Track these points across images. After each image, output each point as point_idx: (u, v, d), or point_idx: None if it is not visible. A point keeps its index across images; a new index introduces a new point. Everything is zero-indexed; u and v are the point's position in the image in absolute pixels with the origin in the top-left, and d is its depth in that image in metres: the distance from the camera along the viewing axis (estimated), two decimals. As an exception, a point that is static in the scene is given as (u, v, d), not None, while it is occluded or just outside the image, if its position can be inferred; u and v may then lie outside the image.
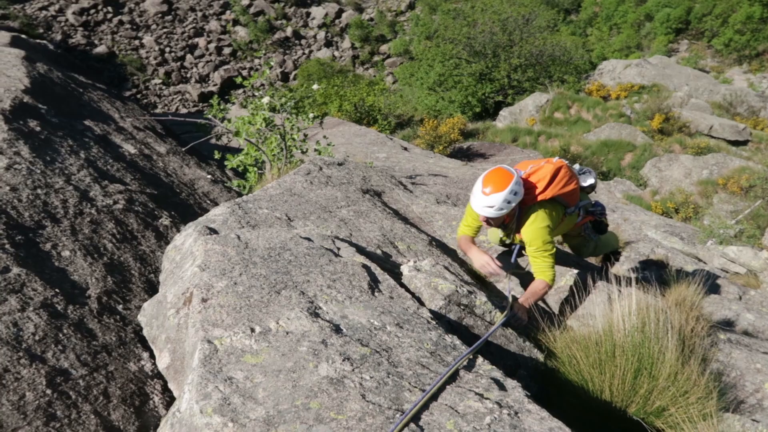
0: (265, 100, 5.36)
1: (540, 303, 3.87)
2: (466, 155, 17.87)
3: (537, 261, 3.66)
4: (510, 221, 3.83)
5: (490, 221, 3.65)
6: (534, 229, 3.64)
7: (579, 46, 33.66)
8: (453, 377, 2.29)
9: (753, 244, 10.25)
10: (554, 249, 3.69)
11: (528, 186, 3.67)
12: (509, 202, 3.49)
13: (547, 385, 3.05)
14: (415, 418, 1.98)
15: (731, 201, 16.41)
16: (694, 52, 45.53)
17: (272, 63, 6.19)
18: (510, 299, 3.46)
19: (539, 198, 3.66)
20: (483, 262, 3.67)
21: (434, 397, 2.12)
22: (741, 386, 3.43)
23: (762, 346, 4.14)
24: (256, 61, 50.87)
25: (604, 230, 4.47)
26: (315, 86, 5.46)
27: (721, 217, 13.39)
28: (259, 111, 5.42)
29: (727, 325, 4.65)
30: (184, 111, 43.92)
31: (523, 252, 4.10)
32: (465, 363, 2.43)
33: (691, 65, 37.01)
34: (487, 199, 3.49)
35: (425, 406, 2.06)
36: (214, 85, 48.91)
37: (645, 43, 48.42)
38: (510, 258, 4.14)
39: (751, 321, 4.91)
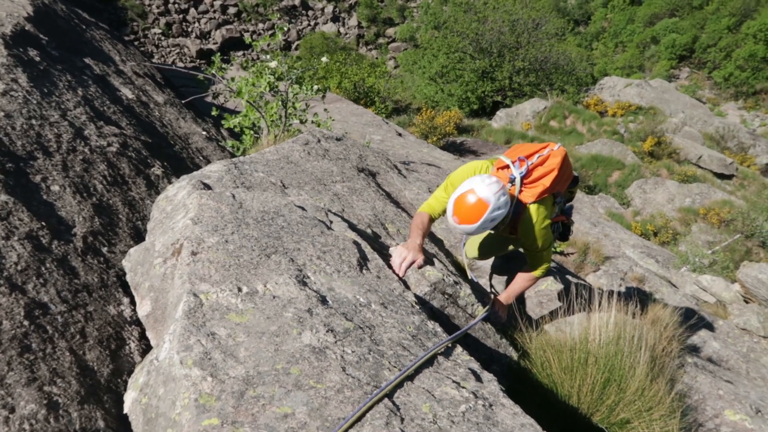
0: (273, 64, 5.30)
1: (517, 304, 3.89)
2: (458, 150, 17.90)
3: (538, 258, 3.46)
4: (501, 222, 3.32)
5: None
6: (539, 231, 3.30)
7: (583, 59, 33.79)
8: (431, 362, 2.31)
9: (725, 276, 10.44)
10: (551, 251, 3.54)
11: (532, 179, 3.24)
12: (493, 221, 3.02)
13: (518, 384, 3.09)
14: (391, 396, 2.00)
15: (710, 232, 16.70)
16: (694, 81, 46.00)
17: (285, 28, 6.10)
18: (492, 296, 3.50)
19: (542, 196, 3.26)
20: (400, 260, 3.09)
21: (411, 378, 2.14)
22: (702, 410, 3.52)
23: (725, 374, 4.25)
24: (260, 25, 50.08)
25: (567, 237, 4.01)
26: (324, 59, 5.39)
27: (697, 246, 13.62)
28: (265, 74, 5.35)
29: (694, 350, 4.76)
30: (180, 65, 43.16)
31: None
32: (443, 350, 2.45)
33: (689, 93, 37.37)
34: (460, 227, 3.05)
35: (400, 386, 2.08)
36: (214, 43, 48.08)
37: (647, 65, 48.76)
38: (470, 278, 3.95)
39: (717, 349, 5.03)
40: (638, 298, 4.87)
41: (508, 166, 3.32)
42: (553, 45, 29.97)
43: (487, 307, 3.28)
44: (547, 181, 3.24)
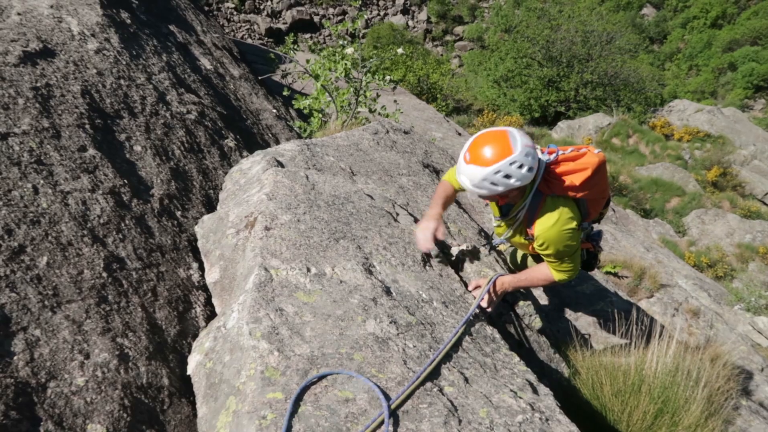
0: (350, 51, 5.33)
1: (573, 323, 3.82)
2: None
3: (557, 268, 2.84)
4: (514, 207, 2.80)
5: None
6: (559, 232, 2.65)
7: (654, 78, 32.74)
8: (490, 368, 2.29)
9: (782, 320, 9.99)
10: (579, 257, 2.86)
11: (558, 172, 2.68)
12: (507, 177, 2.43)
13: (566, 402, 3.03)
14: (450, 396, 1.99)
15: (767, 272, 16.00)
16: (769, 113, 44.02)
17: (365, 17, 6.12)
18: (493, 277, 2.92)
19: (569, 193, 2.68)
20: (421, 235, 2.86)
21: (469, 381, 2.13)
22: (754, 456, 3.38)
23: (778, 422, 4.08)
24: (330, 9, 50.44)
25: (592, 267, 3.47)
26: (400, 50, 5.40)
27: (755, 285, 13.07)
28: (342, 60, 5.39)
29: (747, 393, 4.58)
30: (249, 41, 43.93)
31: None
32: (503, 358, 2.42)
33: (762, 125, 35.75)
34: (466, 168, 2.49)
35: (459, 386, 2.07)
36: (284, 23, 48.67)
37: (720, 92, 46.90)
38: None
39: (770, 395, 4.83)
40: (694, 331, 4.71)
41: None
42: (625, 61, 29.12)
43: (485, 287, 2.81)
44: (576, 179, 2.65)
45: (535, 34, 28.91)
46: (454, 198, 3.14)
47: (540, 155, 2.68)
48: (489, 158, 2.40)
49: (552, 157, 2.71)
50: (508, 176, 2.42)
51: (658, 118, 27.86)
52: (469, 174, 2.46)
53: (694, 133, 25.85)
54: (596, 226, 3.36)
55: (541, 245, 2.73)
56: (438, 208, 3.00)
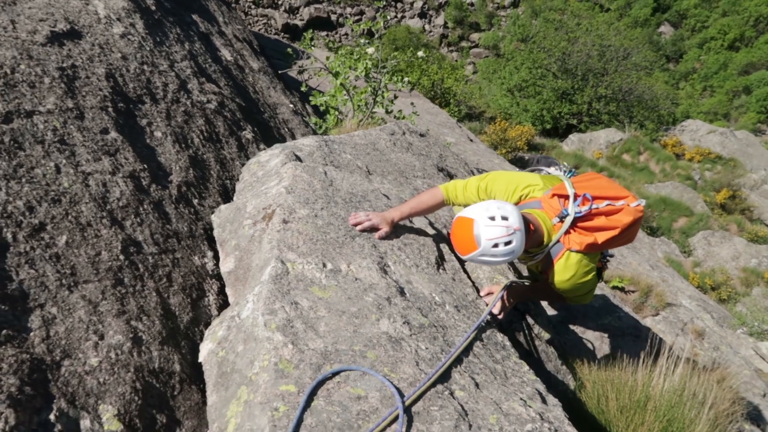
0: (370, 50, 5.34)
1: (580, 335, 3.81)
2: (526, 166, 17.65)
3: (571, 299, 2.90)
4: (533, 248, 2.72)
5: None
6: (576, 283, 2.70)
7: (668, 96, 32.62)
8: (500, 374, 2.28)
9: (785, 346, 9.93)
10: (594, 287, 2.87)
11: (587, 228, 2.62)
12: (486, 262, 2.48)
13: (571, 413, 3.03)
14: (461, 400, 1.99)
15: (772, 298, 15.92)
16: (782, 139, 43.81)
17: (388, 17, 6.15)
18: (504, 284, 2.96)
19: (588, 250, 2.64)
20: (359, 218, 2.71)
21: (479, 387, 2.12)
22: (755, 480, 3.36)
23: (780, 449, 4.05)
24: (348, 9, 50.51)
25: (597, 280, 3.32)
26: (420, 53, 5.40)
27: (759, 310, 13.00)
28: (362, 60, 5.40)
29: (750, 418, 4.55)
30: (265, 36, 44.00)
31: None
32: (512, 364, 2.42)
33: (774, 151, 35.62)
34: (465, 257, 2.52)
35: (470, 391, 2.06)
36: (301, 19, 48.73)
37: (734, 114, 46.74)
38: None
39: (772, 421, 4.80)
40: (698, 352, 4.69)
41: (567, 197, 2.67)
42: (641, 77, 29.05)
43: (497, 294, 2.85)
44: (600, 238, 2.61)
45: (551, 45, 28.88)
46: (434, 210, 2.98)
47: (571, 206, 2.62)
48: (463, 248, 2.46)
49: (585, 209, 2.62)
50: (485, 261, 2.45)
51: (670, 136, 27.78)
52: (468, 257, 2.49)
53: (705, 154, 25.76)
54: None
55: (556, 284, 2.73)
56: (399, 213, 2.82)
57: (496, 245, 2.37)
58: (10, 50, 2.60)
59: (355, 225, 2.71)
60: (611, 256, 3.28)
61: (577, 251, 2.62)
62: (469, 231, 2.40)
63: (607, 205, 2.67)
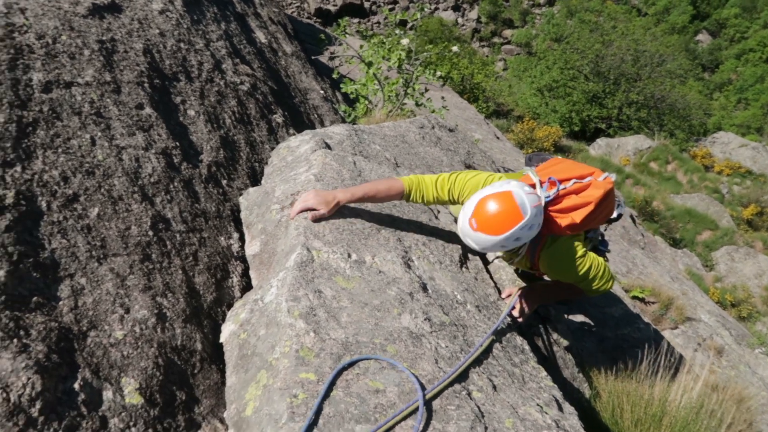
0: (405, 41, 5.31)
1: (599, 342, 3.76)
2: (549, 168, 17.46)
3: (585, 287, 2.75)
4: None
5: None
6: (571, 264, 2.61)
7: (701, 106, 32.00)
8: (518, 379, 2.27)
9: (803, 370, 9.74)
10: (602, 268, 2.70)
11: (559, 209, 2.56)
12: (518, 240, 2.36)
13: (584, 423, 3.01)
14: (478, 401, 1.98)
15: (793, 319, 15.62)
16: (816, 158, 42.75)
17: (426, 9, 6.10)
18: (517, 290, 2.89)
19: (568, 232, 2.58)
20: (301, 205, 2.47)
21: (497, 389, 2.11)
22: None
23: (794, 474, 3.99)
24: (382, -3, 50.25)
25: None
26: (455, 48, 5.35)
27: (778, 330, 12.77)
28: (396, 51, 5.37)
29: (764, 439, 4.48)
30: (297, 19, 43.99)
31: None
32: (530, 368, 2.40)
33: (806, 170, 34.79)
34: (473, 234, 2.36)
35: (487, 393, 2.05)
36: (334, 5, 48.61)
37: (767, 129, 45.70)
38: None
39: (787, 445, 4.72)
40: (716, 369, 4.62)
41: (534, 185, 2.58)
42: (674, 85, 28.50)
43: (513, 299, 2.77)
44: (577, 216, 2.55)
45: (585, 47, 28.45)
46: (387, 200, 2.68)
47: (539, 191, 2.54)
48: (499, 227, 2.29)
49: (552, 193, 2.57)
50: (518, 238, 2.35)
51: (700, 147, 27.27)
52: (478, 240, 2.36)
53: (735, 167, 25.26)
54: (602, 229, 3.19)
55: (555, 276, 2.72)
56: (346, 194, 2.53)
57: (536, 213, 2.33)
58: (53, 20, 2.63)
59: (293, 211, 2.50)
60: (609, 251, 3.20)
61: (558, 234, 2.58)
62: (510, 201, 2.28)
63: (574, 183, 2.63)
